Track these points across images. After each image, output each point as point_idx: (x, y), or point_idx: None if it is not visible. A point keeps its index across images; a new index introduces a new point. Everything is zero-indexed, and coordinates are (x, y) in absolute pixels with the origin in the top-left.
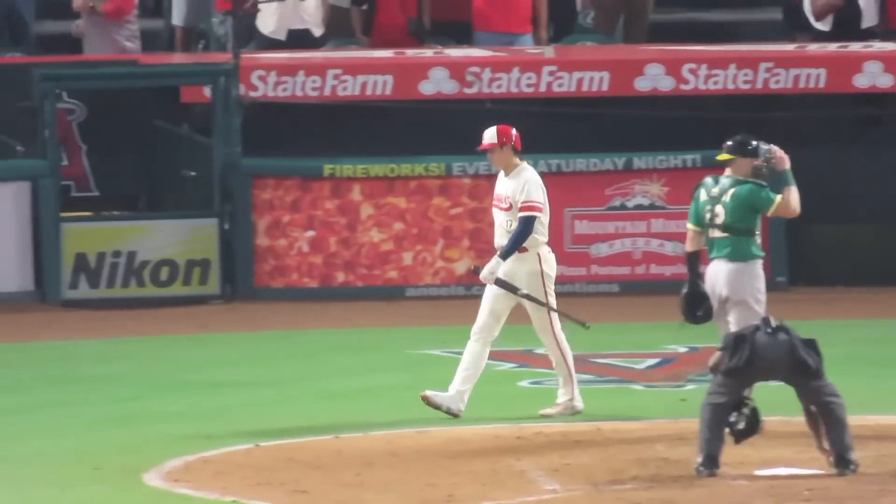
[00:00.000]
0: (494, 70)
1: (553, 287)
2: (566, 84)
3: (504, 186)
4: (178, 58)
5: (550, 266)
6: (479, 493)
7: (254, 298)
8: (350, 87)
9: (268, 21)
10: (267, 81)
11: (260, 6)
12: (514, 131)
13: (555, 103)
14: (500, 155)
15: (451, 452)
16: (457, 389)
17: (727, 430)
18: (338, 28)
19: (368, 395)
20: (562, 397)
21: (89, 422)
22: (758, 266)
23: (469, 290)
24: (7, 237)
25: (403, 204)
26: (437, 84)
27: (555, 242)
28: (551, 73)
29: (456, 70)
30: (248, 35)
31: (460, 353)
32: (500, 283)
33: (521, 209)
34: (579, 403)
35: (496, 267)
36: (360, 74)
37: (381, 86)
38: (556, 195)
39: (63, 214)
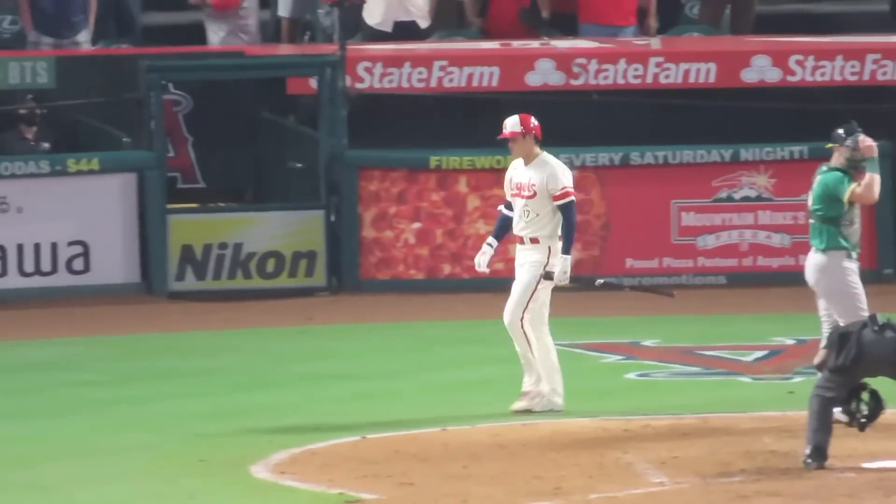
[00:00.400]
0: (601, 61)
1: (551, 285)
2: (673, 75)
3: (525, 174)
4: (285, 49)
5: (558, 261)
6: (586, 486)
7: (360, 290)
8: (456, 79)
9: (374, 12)
10: (373, 73)
11: None
12: (535, 121)
13: (661, 95)
14: (521, 144)
15: (558, 445)
16: (550, 388)
17: (851, 420)
18: (444, 20)
19: (475, 388)
20: (526, 385)
21: (196, 414)
22: (840, 257)
23: (576, 281)
24: (114, 229)
25: None
26: (543, 75)
27: (661, 234)
28: (658, 65)
29: (562, 61)
30: (354, 26)
31: (568, 346)
32: (575, 280)
33: (558, 197)
34: (559, 399)
35: (567, 265)
36: (467, 66)
37: (487, 77)
38: (663, 187)
39: (169, 206)
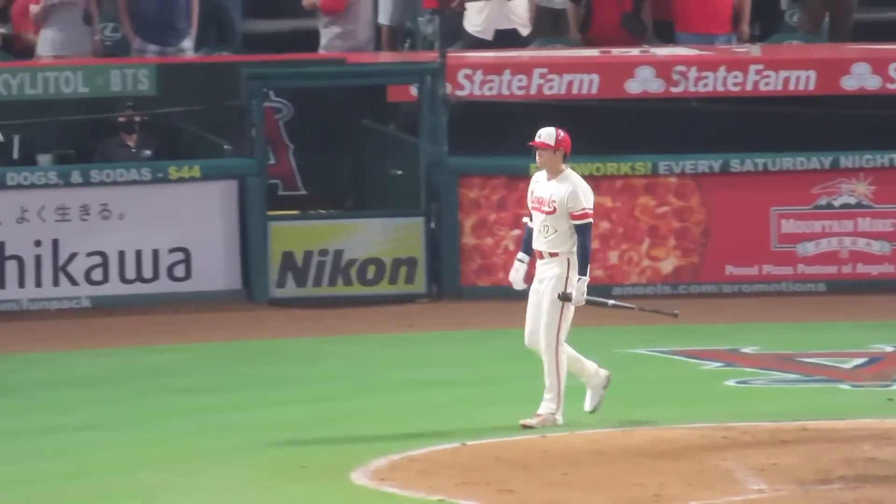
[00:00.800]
0: (701, 69)
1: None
2: (772, 83)
3: (547, 189)
4: (385, 57)
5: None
6: (686, 493)
7: (460, 297)
8: (556, 86)
9: (474, 20)
10: (473, 80)
11: (466, 5)
12: (568, 138)
13: (761, 102)
14: (550, 157)
15: (658, 452)
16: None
17: None
18: (544, 28)
19: (574, 394)
20: (544, 408)
21: (296, 421)
22: None
23: (675, 288)
24: (215, 236)
25: (609, 203)
26: (643, 83)
27: (760, 241)
28: (758, 72)
29: (662, 69)
30: (454, 34)
31: (667, 353)
32: (590, 302)
33: (577, 217)
34: (560, 417)
35: (583, 286)
36: (567, 73)
37: (587, 85)
38: (762, 194)
39: (270, 213)
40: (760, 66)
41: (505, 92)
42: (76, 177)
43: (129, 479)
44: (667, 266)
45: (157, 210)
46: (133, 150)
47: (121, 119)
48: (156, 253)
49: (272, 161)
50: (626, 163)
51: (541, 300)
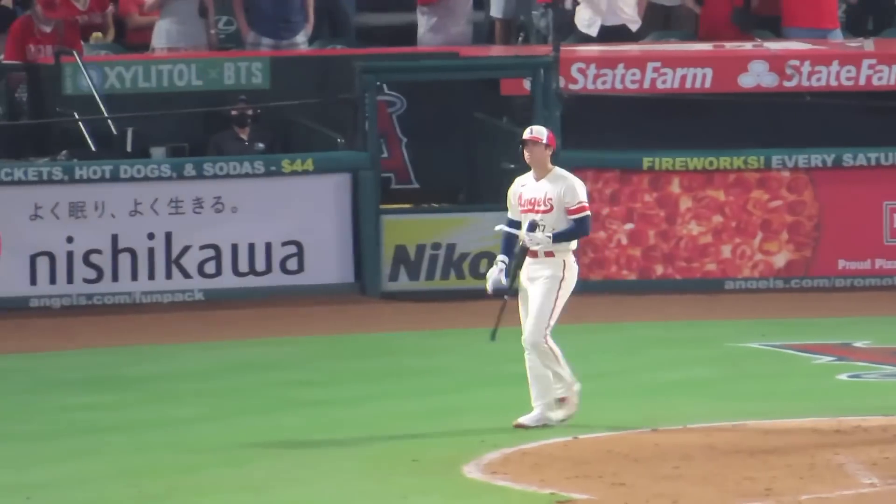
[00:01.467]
0: (814, 63)
1: (567, 298)
2: (886, 77)
3: (539, 189)
4: (498, 50)
5: (573, 275)
6: (797, 487)
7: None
8: (669, 80)
9: (584, 16)
10: (586, 74)
11: (579, 0)
12: (555, 140)
13: (874, 96)
14: (541, 153)
15: (769, 446)
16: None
17: None
18: (655, 22)
19: (687, 389)
20: (560, 392)
21: (409, 414)
22: None
23: (787, 283)
24: (328, 229)
25: (722, 197)
26: (756, 77)
27: (873, 235)
28: (871, 67)
29: (776, 63)
30: (568, 27)
31: (779, 347)
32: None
33: (575, 210)
34: (554, 414)
35: (540, 238)
36: (680, 67)
37: (700, 79)
38: (875, 188)
39: (383, 206)
40: (873, 61)
41: (618, 86)
42: (189, 170)
43: (240, 472)
44: (779, 260)
45: (270, 203)
46: (246, 144)
47: (234, 112)
48: (269, 246)
49: (385, 154)
50: (740, 157)
51: (526, 300)
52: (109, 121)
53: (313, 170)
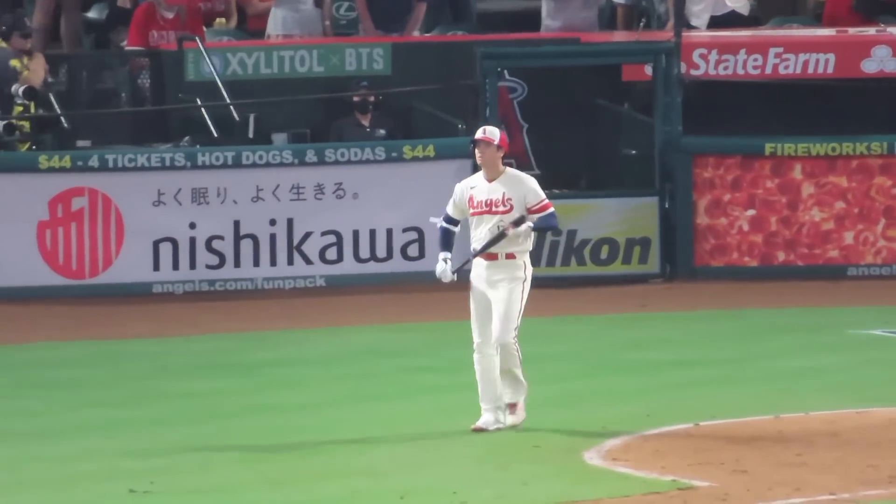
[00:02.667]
0: None
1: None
2: None
3: (496, 190)
4: (620, 36)
5: (530, 276)
6: None
7: (693, 277)
8: (791, 66)
9: (693, 9)
10: (708, 60)
11: None
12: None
13: None
14: (493, 154)
15: (893, 434)
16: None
17: None
18: (779, 8)
19: (809, 376)
20: (517, 398)
21: (530, 401)
22: None
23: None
24: None
25: (845, 183)
26: (879, 62)
27: None
28: None
29: None
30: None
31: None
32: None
33: (540, 209)
34: (504, 418)
35: (524, 229)
36: (802, 53)
37: (822, 64)
38: None
39: None
40: None
41: (740, 71)
42: (311, 156)
43: (361, 457)
44: None
45: (391, 189)
46: (367, 130)
47: (356, 98)
48: (389, 232)
49: None
50: (862, 143)
51: (491, 301)
52: (231, 107)
53: (434, 156)
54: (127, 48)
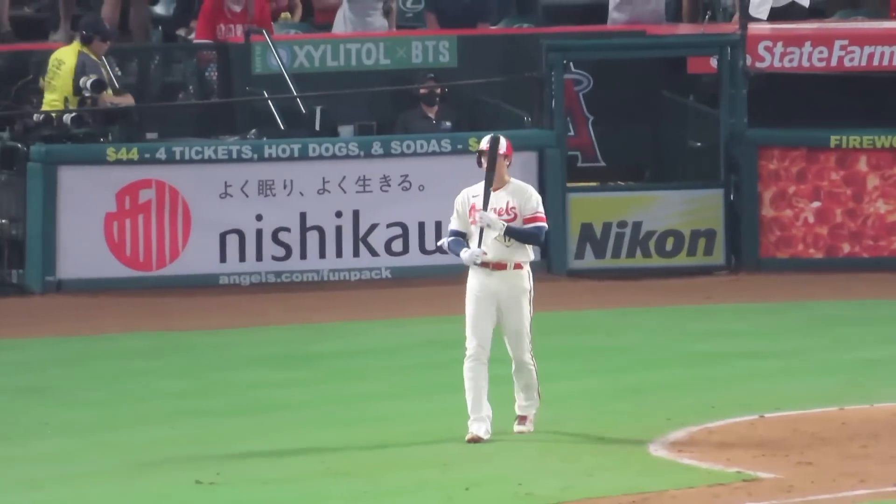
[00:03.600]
0: None
1: None
2: None
3: (499, 199)
4: (685, 28)
5: (532, 285)
6: None
7: (758, 269)
8: (857, 58)
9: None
10: (773, 52)
11: None
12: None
13: None
14: (500, 165)
15: None
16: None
17: None
18: (837, 0)
19: (874, 367)
20: (531, 408)
21: (595, 392)
22: None
23: None
24: None
25: None
26: None
27: None
28: None
29: None
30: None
31: None
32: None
33: (534, 219)
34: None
35: (497, 225)
36: (868, 45)
37: (888, 56)
38: None
39: (569, 185)
40: None
41: (805, 64)
42: (377, 148)
43: (427, 448)
44: None
45: (456, 181)
46: (433, 122)
47: (422, 91)
48: None
49: (571, 132)
50: None
51: (502, 314)
52: (298, 99)
53: None
54: (194, 41)
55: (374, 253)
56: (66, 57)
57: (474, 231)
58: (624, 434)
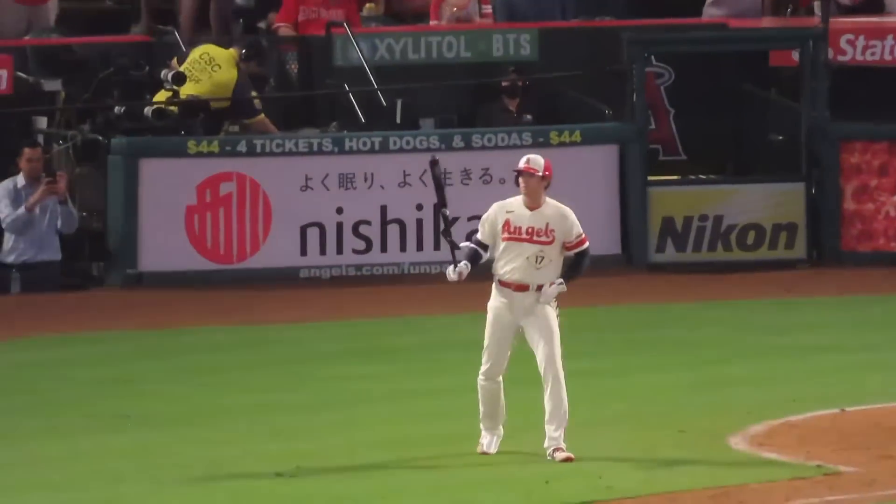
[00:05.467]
0: None
1: None
2: None
3: (539, 220)
4: (767, 22)
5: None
6: None
7: (840, 263)
8: None
9: None
10: (855, 45)
11: None
12: (552, 170)
13: None
14: (538, 185)
15: None
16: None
17: None
18: None
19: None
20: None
21: (675, 385)
22: None
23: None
24: (595, 200)
25: None
26: None
27: None
28: None
29: None
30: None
31: None
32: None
33: (579, 243)
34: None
35: (558, 289)
36: None
37: None
38: None
39: (650, 178)
40: None
41: (887, 57)
42: (458, 141)
43: (507, 441)
44: None
45: None
46: (514, 115)
47: (504, 84)
48: None
49: (653, 126)
50: None
51: (533, 336)
52: (379, 92)
53: (581, 141)
54: (276, 34)
55: (455, 246)
56: (222, 62)
57: (504, 249)
58: (704, 427)
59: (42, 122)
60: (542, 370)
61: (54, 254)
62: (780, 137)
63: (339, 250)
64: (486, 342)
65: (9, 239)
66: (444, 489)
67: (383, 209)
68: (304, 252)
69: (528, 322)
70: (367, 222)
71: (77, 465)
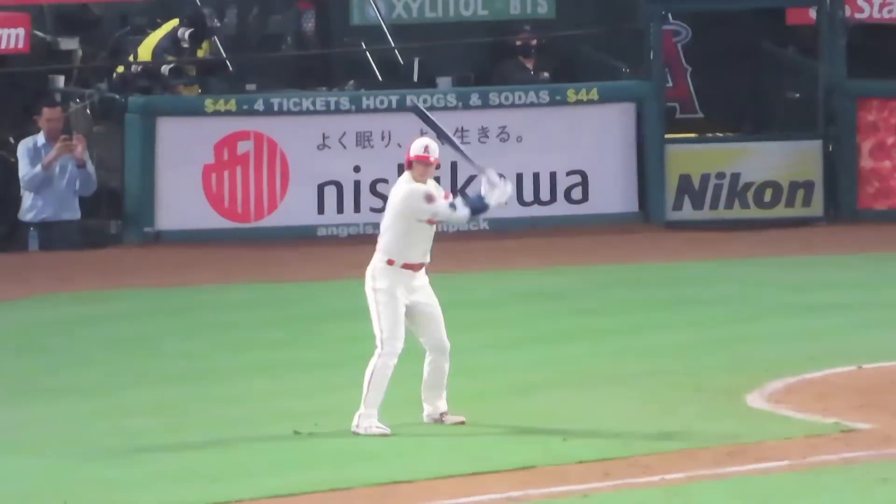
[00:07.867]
0: None
1: None
2: None
3: (436, 188)
4: None
5: None
6: None
7: (856, 220)
8: None
9: None
10: (872, 3)
11: None
12: None
13: None
14: (433, 172)
15: None
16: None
17: None
18: None
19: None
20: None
21: (692, 343)
22: None
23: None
24: (612, 158)
25: None
26: None
27: None
28: None
29: None
30: None
31: None
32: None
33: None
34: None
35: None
36: None
37: None
38: None
39: (667, 136)
40: None
41: None
42: (475, 99)
43: (525, 400)
44: None
45: (554, 133)
46: (531, 73)
47: (519, 42)
48: (553, 175)
49: (670, 84)
50: None
51: (425, 309)
52: (396, 51)
53: (598, 99)
54: None
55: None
56: (166, 27)
57: (423, 230)
58: (721, 385)
59: (59, 80)
60: (432, 344)
61: (73, 214)
62: (797, 95)
63: (357, 208)
64: (388, 323)
65: (28, 197)
66: (462, 445)
67: (400, 167)
68: (321, 210)
69: (422, 300)
70: (385, 180)
71: (97, 423)
